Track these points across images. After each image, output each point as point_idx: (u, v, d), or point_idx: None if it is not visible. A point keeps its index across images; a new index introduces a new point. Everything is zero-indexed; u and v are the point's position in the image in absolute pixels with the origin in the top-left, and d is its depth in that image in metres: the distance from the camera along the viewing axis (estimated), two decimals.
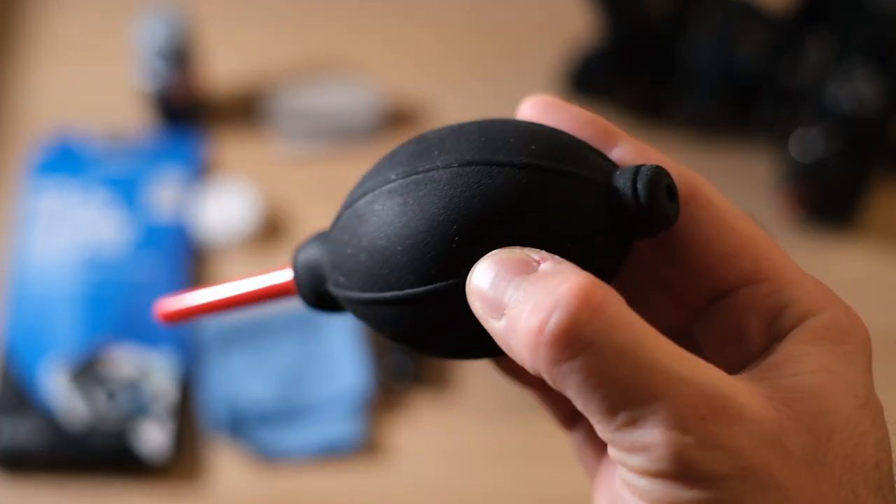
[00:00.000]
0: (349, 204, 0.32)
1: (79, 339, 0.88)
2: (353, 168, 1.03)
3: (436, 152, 0.30)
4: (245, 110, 1.03)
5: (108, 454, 0.83)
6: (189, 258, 0.94)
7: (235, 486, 0.84)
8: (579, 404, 0.27)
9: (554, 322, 0.26)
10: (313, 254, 0.34)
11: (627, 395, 0.26)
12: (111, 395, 0.85)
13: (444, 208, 0.29)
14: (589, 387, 0.26)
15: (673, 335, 0.28)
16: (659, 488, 0.26)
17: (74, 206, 0.95)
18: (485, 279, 0.28)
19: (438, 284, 0.29)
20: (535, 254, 0.28)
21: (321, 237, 0.34)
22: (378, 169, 0.32)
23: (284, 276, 0.35)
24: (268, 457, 0.85)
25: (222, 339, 0.88)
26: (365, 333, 0.90)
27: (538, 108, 0.33)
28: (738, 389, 0.27)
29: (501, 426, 0.87)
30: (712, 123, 1.01)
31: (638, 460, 0.26)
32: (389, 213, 0.30)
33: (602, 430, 0.27)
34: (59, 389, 0.85)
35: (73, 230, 0.94)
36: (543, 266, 0.28)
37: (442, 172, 0.30)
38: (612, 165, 0.31)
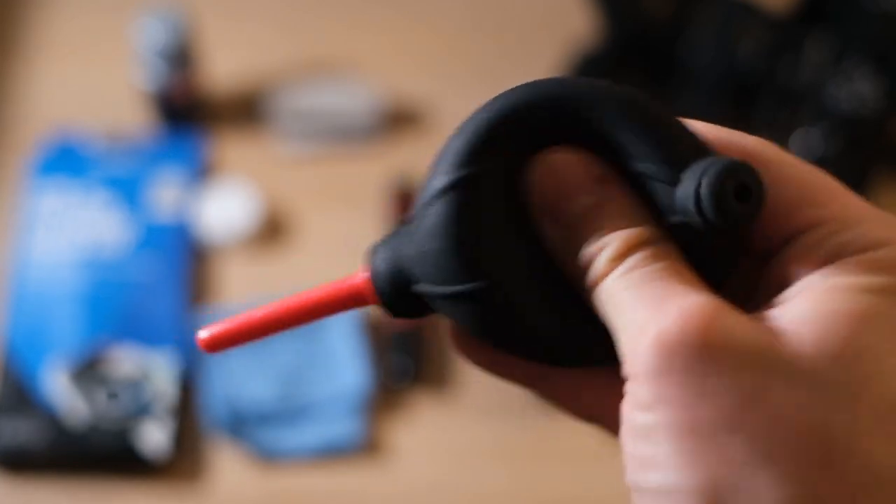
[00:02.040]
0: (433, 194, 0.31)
1: (80, 338, 0.88)
2: (353, 168, 1.04)
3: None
4: (245, 110, 1.03)
5: (108, 454, 0.83)
6: (190, 258, 0.94)
7: (236, 486, 0.84)
8: (610, 322, 0.29)
9: (607, 248, 0.29)
10: (395, 252, 0.32)
11: (647, 307, 0.28)
12: (112, 395, 0.85)
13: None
14: (617, 300, 0.29)
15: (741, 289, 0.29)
16: (638, 387, 0.27)
17: (75, 206, 0.95)
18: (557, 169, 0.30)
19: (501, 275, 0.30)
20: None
21: (399, 234, 0.32)
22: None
23: (358, 280, 0.33)
24: (268, 456, 0.85)
25: None
26: (365, 333, 0.91)
27: None
28: (725, 309, 0.27)
29: (501, 426, 0.87)
30: (712, 123, 1.01)
31: (630, 365, 0.28)
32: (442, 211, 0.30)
33: (629, 349, 0.28)
34: (59, 389, 0.85)
35: (74, 230, 0.94)
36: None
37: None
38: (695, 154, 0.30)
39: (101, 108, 1.03)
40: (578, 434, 0.87)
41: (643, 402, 0.27)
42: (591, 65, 1.02)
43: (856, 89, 0.91)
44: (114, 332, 0.88)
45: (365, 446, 0.86)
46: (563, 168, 0.30)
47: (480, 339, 0.32)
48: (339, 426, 0.86)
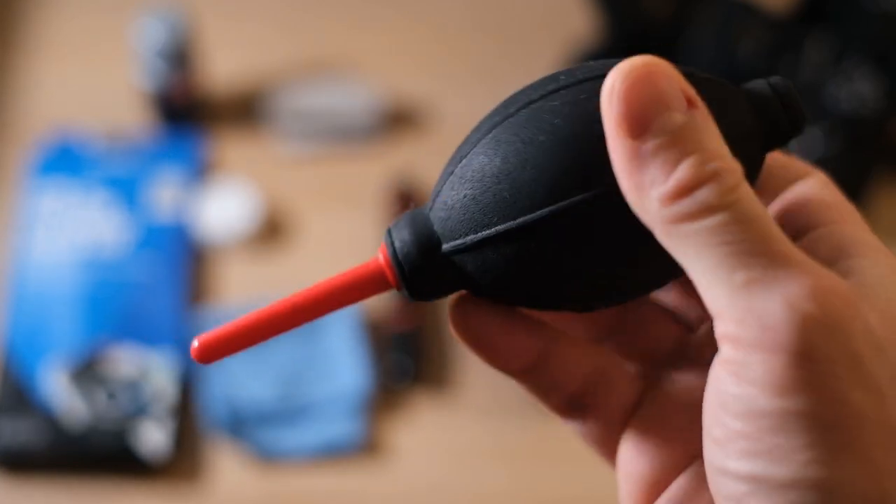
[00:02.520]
0: (465, 153, 0.30)
1: (79, 338, 0.88)
2: (353, 168, 1.04)
3: (558, 80, 0.29)
4: (245, 110, 1.03)
5: (108, 454, 0.83)
6: (189, 258, 0.94)
7: (235, 486, 0.84)
8: (698, 262, 0.25)
9: (706, 182, 0.25)
10: (417, 223, 0.30)
11: (753, 254, 0.25)
12: (111, 395, 0.85)
13: (584, 117, 0.27)
14: (716, 242, 0.25)
15: None
16: (767, 363, 0.24)
17: (74, 206, 0.95)
18: (638, 86, 0.26)
19: (587, 194, 0.27)
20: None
21: (414, 211, 0.31)
22: (488, 117, 0.30)
23: (375, 261, 0.31)
24: (268, 457, 0.85)
25: None
26: (365, 333, 0.90)
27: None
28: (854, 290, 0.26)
29: (501, 426, 0.87)
30: None
31: (749, 329, 0.25)
32: (526, 138, 0.28)
33: (715, 291, 0.25)
34: (59, 389, 0.85)
35: (74, 230, 0.94)
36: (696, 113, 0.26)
37: (568, 92, 0.28)
38: (736, 85, 0.30)
39: (100, 108, 1.03)
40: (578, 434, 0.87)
41: (778, 384, 0.24)
42: None
43: (856, 89, 0.91)
44: (113, 332, 0.88)
45: (365, 446, 0.86)
46: (653, 74, 0.26)
47: (507, 292, 0.30)
48: (339, 426, 0.86)
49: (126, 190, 0.97)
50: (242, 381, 0.87)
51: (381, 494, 0.84)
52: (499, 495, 0.84)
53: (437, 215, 0.30)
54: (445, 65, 1.08)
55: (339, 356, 0.88)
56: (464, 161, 0.30)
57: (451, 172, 0.30)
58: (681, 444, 0.31)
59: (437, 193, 0.30)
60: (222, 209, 0.95)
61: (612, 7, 0.99)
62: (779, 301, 0.24)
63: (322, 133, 1.01)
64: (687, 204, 0.25)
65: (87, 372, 0.86)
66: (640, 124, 0.26)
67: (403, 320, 0.89)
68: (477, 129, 0.30)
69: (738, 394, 0.25)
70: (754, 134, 0.29)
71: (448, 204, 0.29)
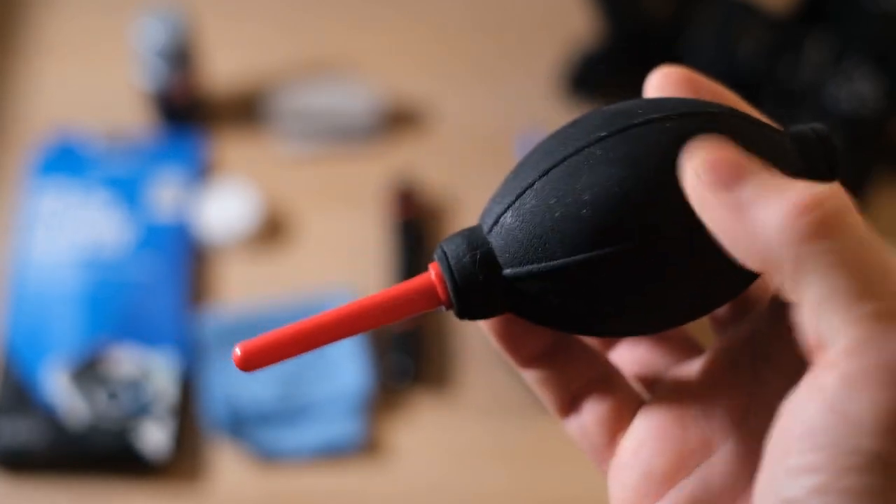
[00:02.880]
0: (532, 183, 0.30)
1: (80, 338, 0.88)
2: (353, 168, 1.04)
3: (631, 114, 0.30)
4: (245, 110, 1.03)
5: (108, 454, 0.83)
6: (190, 258, 0.94)
7: (236, 486, 0.84)
8: (820, 286, 0.25)
9: (825, 201, 0.25)
10: (476, 246, 0.31)
11: (881, 285, 0.24)
12: (112, 395, 0.85)
13: (658, 157, 0.29)
14: (846, 266, 0.25)
15: None
16: (877, 402, 0.24)
17: (75, 206, 0.95)
18: (717, 157, 0.27)
19: (660, 233, 0.29)
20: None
21: (470, 232, 0.32)
22: (550, 151, 0.31)
23: (428, 277, 0.31)
24: (268, 457, 0.85)
25: (222, 338, 0.88)
26: (365, 334, 0.90)
27: (675, 81, 0.33)
28: None
29: (501, 426, 0.87)
30: None
31: (863, 361, 0.24)
32: (604, 171, 0.29)
33: (832, 316, 0.25)
34: (59, 389, 0.85)
35: (74, 230, 0.94)
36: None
37: (645, 128, 0.29)
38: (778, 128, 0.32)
39: (101, 108, 1.03)
40: None
41: (883, 427, 0.24)
42: (591, 65, 1.02)
43: (856, 89, 0.91)
44: (114, 332, 0.88)
45: (365, 446, 0.86)
46: (721, 148, 0.28)
47: (556, 320, 0.31)
48: (339, 426, 0.86)
49: (126, 190, 0.97)
50: (243, 381, 0.87)
51: (381, 494, 0.84)
52: (499, 495, 0.85)
53: (497, 242, 0.31)
54: (445, 65, 1.08)
55: (339, 356, 0.88)
56: (526, 194, 0.30)
57: (512, 204, 0.31)
58: (686, 444, 0.31)
59: (497, 219, 0.31)
60: (223, 209, 0.95)
61: (612, 7, 0.99)
62: None
63: (322, 133, 1.01)
64: (818, 215, 0.25)
65: (87, 372, 0.86)
66: (733, 178, 0.27)
67: (403, 320, 0.89)
68: (534, 161, 0.31)
69: (830, 428, 0.24)
70: (801, 175, 0.30)
71: (509, 231, 0.30)
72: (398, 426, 0.87)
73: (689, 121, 0.29)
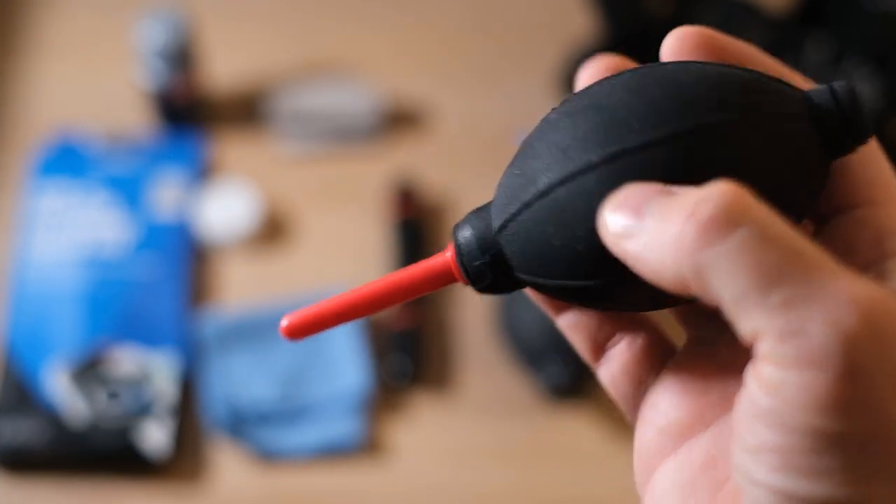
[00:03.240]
0: (542, 192, 0.30)
1: (80, 338, 0.88)
2: (353, 168, 1.04)
3: (628, 127, 0.29)
4: (245, 110, 1.04)
5: (109, 453, 0.83)
6: (190, 258, 0.94)
7: (236, 485, 0.84)
8: (728, 288, 0.25)
9: (707, 205, 0.25)
10: (486, 246, 0.32)
11: (785, 273, 0.24)
12: (112, 395, 0.85)
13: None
14: (743, 264, 0.24)
15: None
16: (808, 382, 0.24)
17: (76, 206, 0.96)
18: (620, 200, 0.27)
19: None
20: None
21: (483, 214, 0.33)
22: (563, 149, 0.30)
23: (444, 260, 0.33)
24: (268, 456, 0.85)
25: (223, 338, 0.88)
26: (365, 333, 0.91)
27: (693, 43, 0.32)
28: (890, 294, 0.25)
29: (501, 426, 0.87)
30: None
31: (789, 348, 0.24)
32: (592, 207, 0.29)
33: (750, 313, 0.25)
34: (60, 389, 0.85)
35: (75, 230, 0.94)
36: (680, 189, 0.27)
37: (648, 154, 0.28)
38: (797, 89, 0.31)
39: (101, 109, 1.03)
40: (578, 434, 0.87)
41: (819, 404, 0.24)
42: None
43: None
44: (114, 331, 0.88)
45: (365, 446, 0.86)
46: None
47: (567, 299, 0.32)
48: (339, 426, 0.86)
49: (127, 190, 0.97)
50: (243, 380, 0.87)
51: (381, 494, 0.84)
52: (499, 495, 0.85)
53: (506, 245, 0.32)
54: (445, 65, 1.08)
55: (339, 356, 0.88)
56: (533, 206, 0.31)
57: (518, 213, 0.31)
58: (705, 399, 0.31)
59: (505, 223, 0.31)
60: (223, 209, 0.95)
61: (612, 7, 0.99)
62: (819, 319, 0.24)
63: (322, 133, 1.01)
64: (704, 216, 0.25)
65: (88, 371, 0.86)
66: (632, 214, 0.27)
67: (403, 320, 0.90)
68: (544, 155, 0.31)
69: (775, 410, 0.24)
70: (811, 145, 0.29)
71: (515, 240, 0.31)
72: (398, 426, 0.87)
73: (680, 150, 0.28)
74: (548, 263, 0.30)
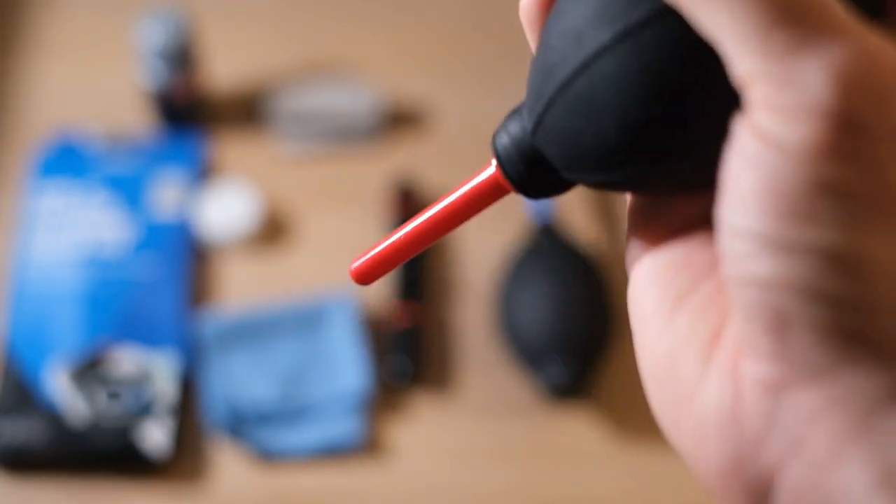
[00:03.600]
0: (562, 86, 0.28)
1: (80, 338, 0.88)
2: (353, 168, 1.04)
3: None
4: (246, 111, 1.04)
5: (109, 453, 0.83)
6: (190, 258, 0.94)
7: (236, 485, 0.84)
8: (732, 22, 0.23)
9: None
10: (525, 152, 0.31)
11: (791, 15, 0.23)
12: (112, 395, 0.86)
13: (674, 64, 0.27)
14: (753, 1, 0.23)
15: None
16: (803, 128, 0.23)
17: (76, 206, 0.96)
18: None
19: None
20: None
21: (517, 117, 0.31)
22: (574, 35, 0.28)
23: (489, 175, 0.32)
24: (268, 456, 0.85)
25: (223, 338, 0.89)
26: (365, 333, 0.91)
27: None
28: None
29: (501, 426, 0.87)
30: None
31: (787, 95, 0.23)
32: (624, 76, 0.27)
33: (752, 57, 0.23)
34: (60, 389, 0.85)
35: (75, 230, 0.94)
36: None
37: (660, 23, 0.27)
38: None
39: (101, 109, 1.03)
40: (578, 434, 0.87)
41: (813, 151, 0.23)
42: None
43: None
44: (114, 331, 0.88)
45: (365, 446, 0.86)
46: None
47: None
48: (339, 426, 0.86)
49: (127, 190, 0.97)
50: (243, 380, 0.87)
51: (381, 494, 0.84)
52: (499, 495, 0.85)
53: (544, 146, 0.30)
54: (445, 65, 1.08)
55: (339, 356, 0.89)
56: (556, 103, 0.29)
57: (544, 112, 0.29)
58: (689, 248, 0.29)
59: (538, 121, 0.30)
60: (223, 209, 0.95)
61: None
62: (821, 64, 0.23)
63: (322, 133, 1.01)
64: None
65: (88, 371, 0.86)
66: None
67: (403, 320, 0.90)
68: (566, 44, 0.29)
69: (768, 158, 0.23)
70: None
71: (549, 136, 0.30)
72: (398, 426, 0.87)
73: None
74: (585, 158, 0.29)
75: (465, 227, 0.97)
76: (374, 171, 0.99)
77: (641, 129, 0.27)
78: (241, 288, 0.93)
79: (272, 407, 0.87)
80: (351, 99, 1.02)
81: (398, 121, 1.03)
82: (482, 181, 0.32)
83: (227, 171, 1.00)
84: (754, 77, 0.23)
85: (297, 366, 0.89)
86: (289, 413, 0.87)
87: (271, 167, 1.00)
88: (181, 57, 0.97)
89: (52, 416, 0.84)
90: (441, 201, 0.32)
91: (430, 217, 0.32)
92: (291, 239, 0.96)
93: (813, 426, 0.24)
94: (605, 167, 0.29)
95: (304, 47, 1.08)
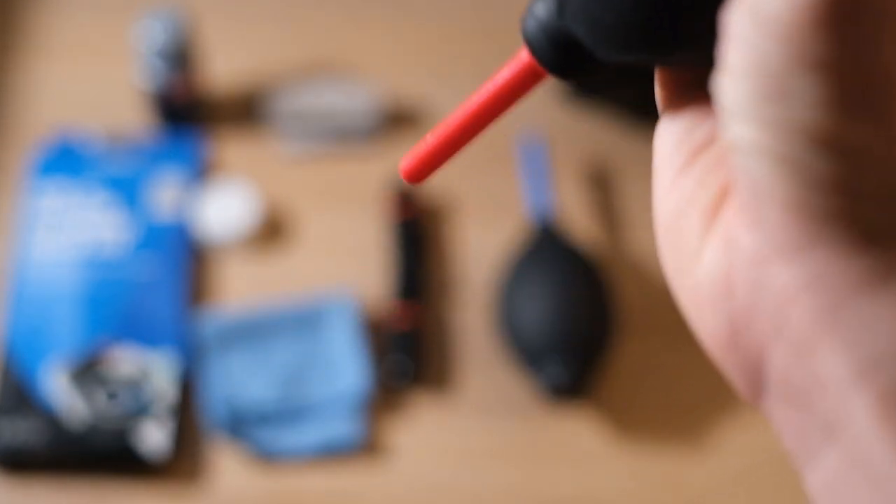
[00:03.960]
0: None
1: (79, 338, 0.88)
2: (353, 168, 1.04)
3: None
4: (245, 110, 1.03)
5: (108, 454, 0.83)
6: (189, 258, 0.94)
7: (235, 486, 0.84)
8: None
9: None
10: (549, 22, 0.30)
11: None
12: (112, 395, 0.85)
13: None
14: None
15: None
16: (787, 5, 0.22)
17: (75, 206, 0.96)
18: None
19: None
20: None
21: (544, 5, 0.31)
22: None
23: (520, 60, 0.31)
24: (268, 457, 0.85)
25: (222, 338, 0.88)
26: (365, 333, 0.91)
27: None
28: None
29: (501, 426, 0.87)
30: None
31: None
32: None
33: None
34: (59, 389, 0.85)
35: (74, 230, 0.94)
36: None
37: None
38: None
39: (101, 109, 1.03)
40: (578, 434, 0.87)
41: (802, 24, 0.22)
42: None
43: None
44: (113, 332, 0.88)
45: (365, 446, 0.86)
46: None
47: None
48: (339, 426, 0.86)
49: (126, 190, 0.97)
50: (242, 380, 0.87)
51: (381, 494, 0.84)
52: (498, 495, 0.85)
53: (574, 27, 0.30)
54: (445, 65, 1.08)
55: (339, 356, 0.88)
56: None
57: None
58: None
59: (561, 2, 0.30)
60: (222, 209, 0.95)
61: None
62: None
63: (322, 133, 1.01)
64: None
65: (87, 372, 0.86)
66: None
67: (403, 320, 0.90)
68: None
69: (752, 34, 0.22)
70: None
71: (575, 20, 0.29)
72: (398, 426, 0.87)
73: None
74: (612, 38, 0.29)
75: (464, 227, 0.96)
76: (374, 171, 0.99)
77: (653, 6, 0.27)
78: (241, 288, 0.93)
79: (272, 407, 0.86)
80: (351, 99, 1.02)
81: (398, 121, 1.03)
82: (516, 68, 0.31)
83: (227, 170, 1.00)
84: None
85: (297, 366, 0.88)
86: (288, 413, 0.86)
87: (271, 167, 1.00)
88: (180, 57, 0.96)
89: (50, 417, 0.84)
90: (479, 92, 0.32)
91: (470, 109, 0.32)
92: (291, 239, 0.96)
93: (793, 306, 0.23)
94: (625, 46, 0.28)
95: (303, 47, 1.08)
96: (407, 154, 0.33)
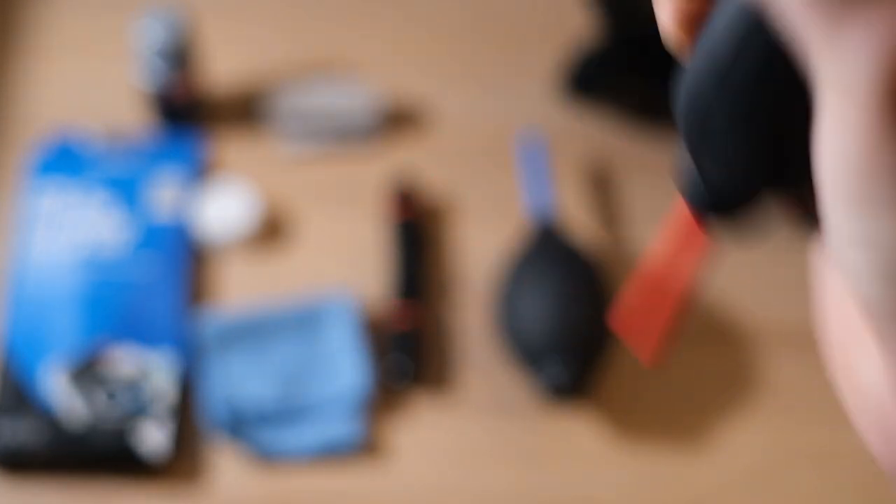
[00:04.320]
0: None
1: (79, 339, 0.88)
2: (353, 168, 1.04)
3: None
4: (245, 110, 1.03)
5: (107, 454, 0.83)
6: (189, 258, 0.94)
7: (235, 486, 0.84)
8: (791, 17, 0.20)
9: None
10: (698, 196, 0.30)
11: None
12: (111, 395, 0.85)
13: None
14: None
15: None
16: (848, 111, 0.19)
17: (74, 206, 0.95)
18: None
19: None
20: None
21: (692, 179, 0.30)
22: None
23: (697, 233, 0.31)
24: (267, 457, 0.85)
25: (222, 338, 0.88)
26: (365, 333, 0.90)
27: None
28: None
29: (501, 426, 0.87)
30: None
31: (834, 70, 0.20)
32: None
33: (804, 28, 0.20)
34: (59, 389, 0.85)
35: (73, 230, 0.94)
36: None
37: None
38: None
39: (100, 108, 1.03)
40: (578, 435, 0.87)
41: (865, 129, 0.20)
42: (591, 65, 1.02)
43: None
44: (113, 332, 0.88)
45: (364, 446, 0.86)
46: None
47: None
48: (339, 426, 0.86)
49: (126, 190, 0.97)
50: (242, 381, 0.87)
51: (381, 494, 0.84)
52: (498, 495, 0.84)
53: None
54: (445, 65, 1.08)
55: (339, 356, 0.88)
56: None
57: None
58: None
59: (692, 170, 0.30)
60: (222, 209, 0.95)
61: (611, 7, 0.99)
62: (864, 34, 0.19)
63: (322, 133, 1.01)
64: None
65: (86, 372, 0.86)
66: None
67: (403, 320, 0.89)
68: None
69: (829, 141, 0.20)
70: None
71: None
72: (398, 426, 0.87)
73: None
74: (732, 188, 0.29)
75: (464, 227, 0.96)
76: (374, 171, 0.99)
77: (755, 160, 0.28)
78: (240, 288, 0.93)
79: (271, 407, 0.86)
80: (351, 98, 1.02)
81: (397, 121, 1.03)
82: (682, 223, 0.32)
83: (226, 170, 1.00)
84: (812, 52, 0.20)
85: (297, 366, 0.88)
86: (288, 413, 0.86)
87: (270, 167, 1.00)
88: (180, 56, 0.96)
89: (50, 417, 0.84)
90: (666, 250, 0.32)
91: (671, 272, 0.32)
92: (290, 239, 0.96)
93: None
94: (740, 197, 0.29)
95: (303, 47, 1.08)
96: (639, 344, 0.32)
